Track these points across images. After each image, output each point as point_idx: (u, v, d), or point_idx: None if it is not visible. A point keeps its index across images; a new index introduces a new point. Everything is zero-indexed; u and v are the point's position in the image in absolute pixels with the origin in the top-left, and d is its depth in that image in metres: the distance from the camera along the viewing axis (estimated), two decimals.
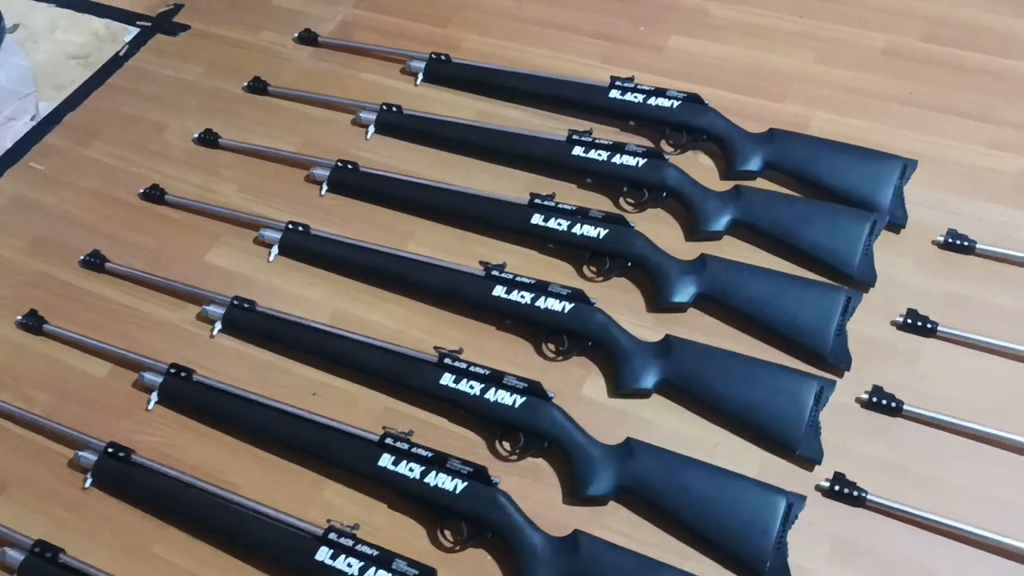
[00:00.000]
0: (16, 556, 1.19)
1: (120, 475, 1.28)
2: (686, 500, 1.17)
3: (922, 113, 1.60)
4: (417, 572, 1.11)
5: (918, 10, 1.77)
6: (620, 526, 1.19)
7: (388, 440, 1.23)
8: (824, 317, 1.29)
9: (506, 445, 1.27)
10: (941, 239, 1.41)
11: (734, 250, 1.45)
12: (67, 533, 1.25)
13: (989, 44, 1.69)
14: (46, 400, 1.40)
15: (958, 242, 1.40)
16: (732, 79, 1.70)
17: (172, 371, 1.36)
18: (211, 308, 1.45)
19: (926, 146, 1.54)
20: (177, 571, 1.21)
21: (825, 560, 1.14)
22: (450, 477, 1.19)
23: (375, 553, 1.13)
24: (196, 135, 1.74)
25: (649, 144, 1.55)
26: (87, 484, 1.29)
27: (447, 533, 1.20)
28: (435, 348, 1.33)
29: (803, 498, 1.15)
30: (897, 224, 1.43)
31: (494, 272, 1.40)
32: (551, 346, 1.37)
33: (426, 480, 1.19)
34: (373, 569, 1.12)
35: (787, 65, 1.71)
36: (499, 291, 1.38)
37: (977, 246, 1.39)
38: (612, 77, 1.64)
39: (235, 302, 1.44)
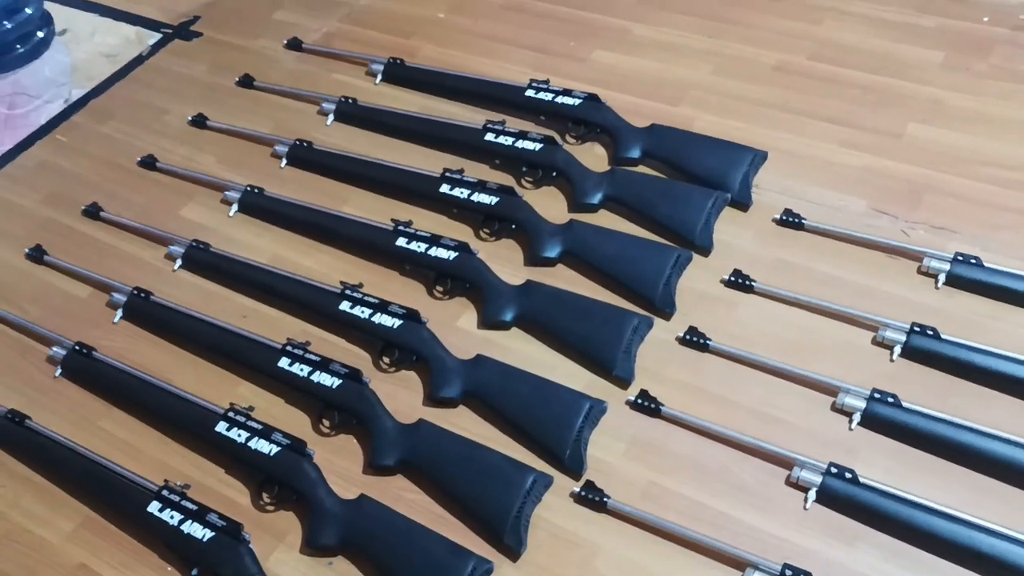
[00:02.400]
0: None
1: (82, 367, 1.61)
2: (515, 402, 1.43)
3: (792, 117, 1.85)
4: (289, 442, 1.40)
5: (811, 33, 2.03)
6: (464, 423, 1.46)
7: (288, 347, 1.52)
8: (657, 271, 1.55)
9: (386, 360, 1.55)
10: (778, 217, 1.65)
11: (608, 220, 1.71)
12: (36, 408, 1.57)
13: (866, 63, 1.93)
14: (37, 312, 1.74)
15: (791, 219, 1.64)
16: (638, 86, 1.97)
17: (135, 292, 1.69)
18: (174, 248, 1.78)
19: (788, 143, 1.79)
20: (115, 440, 1.52)
21: (621, 455, 1.39)
22: (330, 376, 1.48)
23: (260, 427, 1.43)
24: (190, 118, 2.09)
25: (548, 132, 1.83)
26: (57, 373, 1.62)
27: (325, 421, 1.48)
28: (340, 282, 1.62)
29: (603, 403, 1.40)
30: (744, 203, 1.68)
31: (400, 227, 1.69)
32: (439, 288, 1.65)
33: (312, 377, 1.49)
34: (256, 439, 1.41)
35: (687, 76, 1.98)
36: (402, 241, 1.67)
37: (806, 223, 1.63)
38: (530, 79, 1.93)
39: (193, 243, 1.76)
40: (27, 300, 1.77)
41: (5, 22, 2.25)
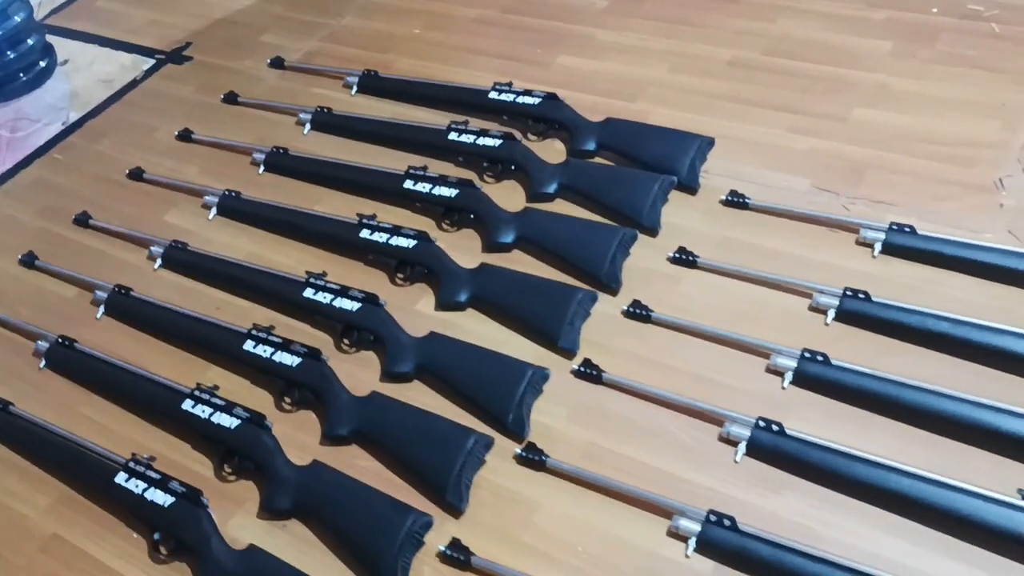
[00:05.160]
0: None
1: (65, 358, 1.71)
2: (463, 374, 1.50)
3: (743, 107, 1.92)
4: (249, 416, 1.48)
5: (766, 30, 2.10)
6: (418, 396, 1.53)
7: (252, 331, 1.61)
8: (603, 250, 1.62)
9: (347, 341, 1.63)
10: (724, 198, 1.72)
11: (565, 208, 1.79)
12: (21, 397, 1.66)
13: (817, 55, 2.00)
14: (27, 313, 1.85)
15: (736, 199, 1.71)
16: (597, 85, 2.06)
17: (116, 289, 1.79)
18: (155, 248, 1.88)
19: (737, 131, 1.86)
20: (93, 423, 1.61)
21: (563, 419, 1.45)
22: (291, 355, 1.56)
23: (223, 403, 1.51)
24: (176, 132, 2.20)
25: (507, 130, 1.91)
26: (42, 365, 1.72)
27: (286, 399, 1.56)
28: (306, 272, 1.71)
29: (545, 370, 1.47)
30: (692, 187, 1.75)
31: (364, 220, 1.78)
32: (400, 275, 1.73)
33: (274, 358, 1.57)
34: (219, 413, 1.49)
35: (645, 74, 2.07)
36: (365, 233, 1.76)
37: (751, 202, 1.70)
38: (494, 82, 2.02)
39: (172, 243, 1.87)
40: (19, 302, 1.88)
41: (8, 52, 2.40)
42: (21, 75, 2.46)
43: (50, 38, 2.62)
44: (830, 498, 1.28)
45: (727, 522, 1.24)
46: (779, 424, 1.32)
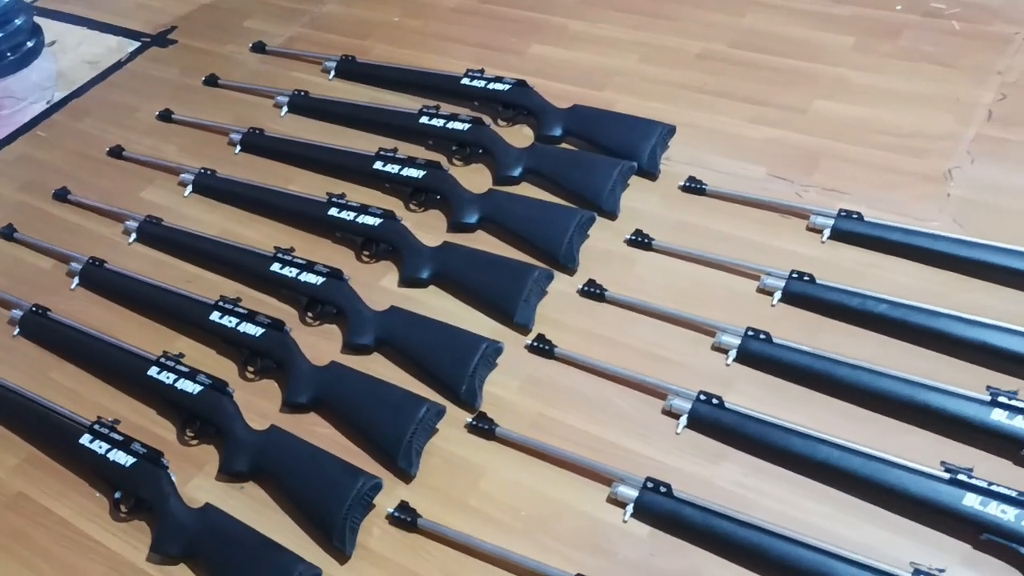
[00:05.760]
0: None
1: (38, 326, 1.76)
2: (420, 346, 1.55)
3: (707, 98, 1.97)
4: (212, 382, 1.53)
5: (733, 24, 2.15)
6: (379, 368, 1.57)
7: (220, 303, 1.66)
8: (561, 230, 1.67)
9: (311, 314, 1.68)
10: (683, 183, 1.77)
11: (529, 191, 1.84)
12: None
13: (782, 49, 2.05)
14: (3, 283, 1.89)
15: (694, 185, 1.76)
16: (568, 74, 2.11)
17: (90, 261, 1.84)
18: (130, 223, 1.93)
19: (700, 120, 1.91)
20: (63, 388, 1.66)
21: (515, 391, 1.50)
22: (255, 326, 1.61)
23: (187, 370, 1.55)
24: (157, 113, 2.25)
25: (476, 115, 1.96)
26: (15, 333, 1.77)
27: (250, 368, 1.61)
28: (274, 247, 1.76)
29: (498, 343, 1.52)
30: (652, 172, 1.80)
31: (333, 199, 1.83)
32: (366, 252, 1.78)
33: (239, 328, 1.62)
34: (182, 380, 1.54)
35: (615, 64, 2.11)
36: (333, 211, 1.81)
37: (707, 188, 1.75)
38: (467, 69, 2.07)
39: (147, 218, 1.92)
40: None
41: None
42: (8, 55, 2.51)
43: (39, 19, 2.66)
44: (764, 468, 1.33)
45: (663, 489, 1.29)
46: (719, 398, 1.37)
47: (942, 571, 1.14)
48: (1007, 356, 1.36)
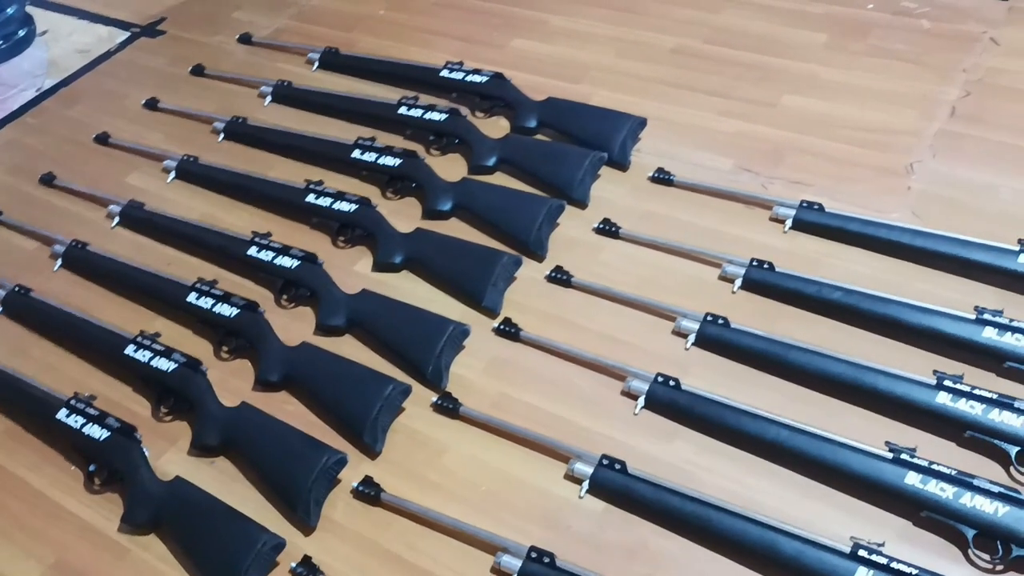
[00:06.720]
0: None
1: (20, 304, 1.80)
2: (389, 328, 1.59)
3: (679, 91, 2.01)
4: (186, 360, 1.57)
5: (709, 21, 2.20)
6: (349, 350, 1.61)
7: (197, 284, 1.70)
8: (531, 218, 1.71)
9: (286, 296, 1.72)
10: (651, 175, 1.81)
11: (503, 180, 1.88)
12: None
13: (755, 45, 2.10)
14: None
15: (662, 176, 1.80)
16: (546, 68, 2.15)
17: (73, 244, 1.89)
18: (113, 207, 1.97)
19: (671, 114, 1.95)
20: (41, 363, 1.70)
21: (480, 372, 1.54)
22: (230, 307, 1.65)
23: (163, 348, 1.60)
24: (144, 101, 2.30)
25: (453, 105, 2.01)
26: None
27: (224, 348, 1.65)
28: (252, 232, 1.80)
29: (465, 326, 1.56)
30: (622, 164, 1.84)
31: (311, 186, 1.87)
32: (341, 238, 1.82)
33: (214, 309, 1.66)
34: (158, 358, 1.58)
35: (592, 59, 2.16)
36: (311, 197, 1.85)
37: (675, 179, 1.79)
38: (446, 61, 2.12)
39: (130, 203, 1.96)
40: None
41: None
42: (0, 43, 2.54)
43: (32, 9, 2.71)
44: (716, 447, 1.37)
45: (618, 466, 1.33)
46: (676, 380, 1.42)
47: (881, 545, 1.17)
48: (954, 342, 1.40)
